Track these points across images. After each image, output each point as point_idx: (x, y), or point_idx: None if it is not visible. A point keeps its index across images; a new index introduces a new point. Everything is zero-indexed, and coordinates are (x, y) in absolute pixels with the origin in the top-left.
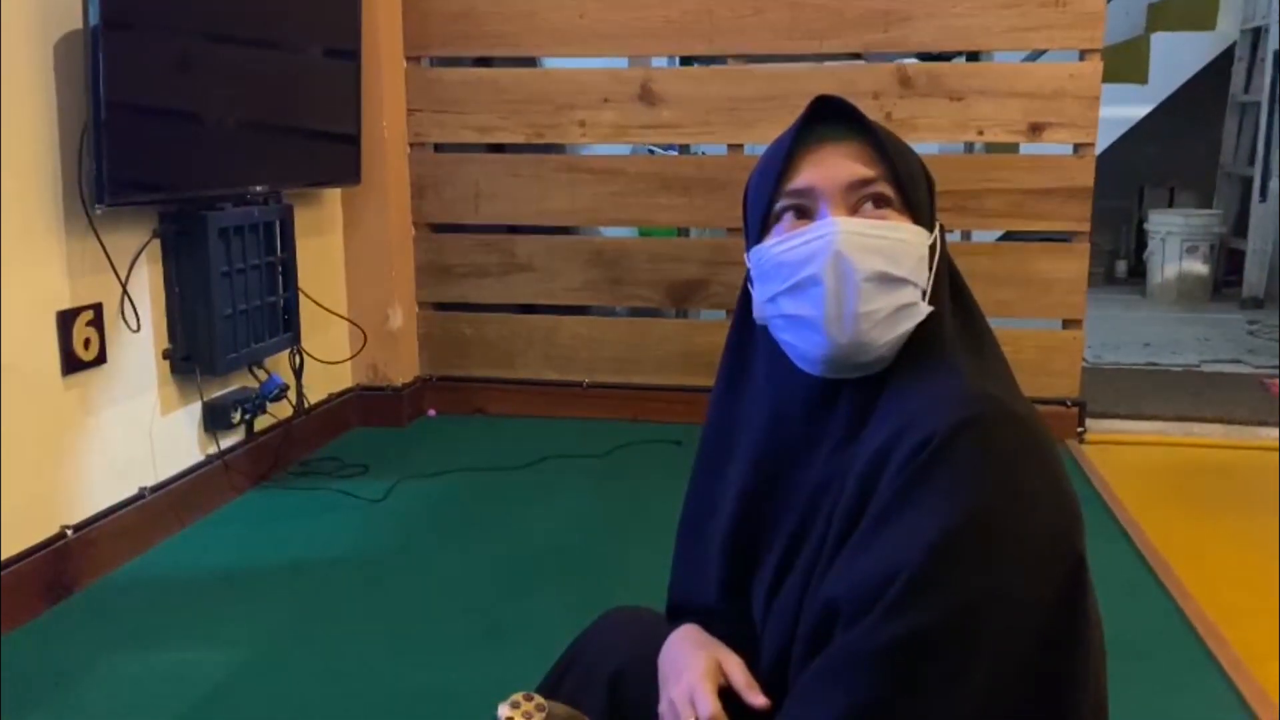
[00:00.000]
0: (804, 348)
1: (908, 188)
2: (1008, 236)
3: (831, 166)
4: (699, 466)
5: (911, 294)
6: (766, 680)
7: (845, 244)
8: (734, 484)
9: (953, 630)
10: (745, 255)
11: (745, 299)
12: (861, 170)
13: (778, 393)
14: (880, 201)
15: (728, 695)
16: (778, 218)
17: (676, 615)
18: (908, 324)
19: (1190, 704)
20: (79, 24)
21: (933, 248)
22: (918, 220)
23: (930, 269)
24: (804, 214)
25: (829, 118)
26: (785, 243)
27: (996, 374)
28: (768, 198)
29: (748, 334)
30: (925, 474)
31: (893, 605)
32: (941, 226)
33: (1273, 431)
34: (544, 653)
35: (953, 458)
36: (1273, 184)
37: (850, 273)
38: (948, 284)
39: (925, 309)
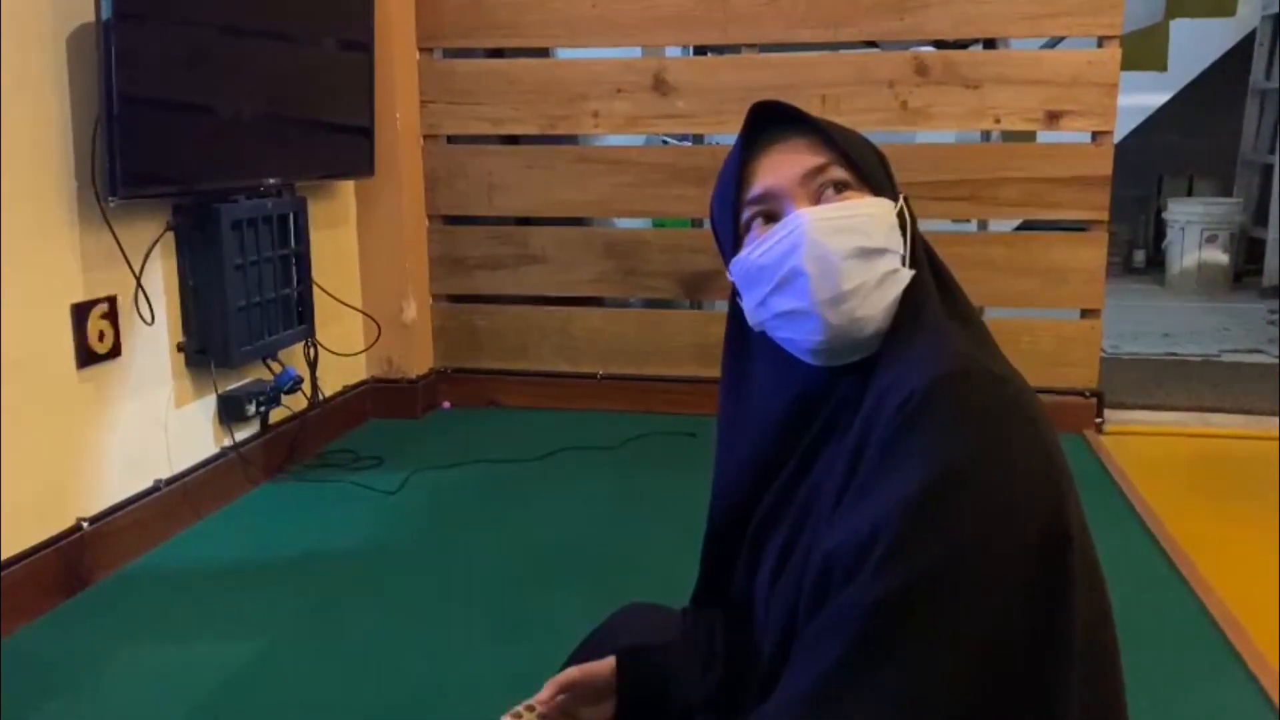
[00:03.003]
0: (801, 339)
1: (862, 167)
2: (1025, 226)
3: (783, 165)
4: (717, 471)
5: (891, 260)
6: (772, 656)
7: (816, 231)
8: (731, 486)
9: (934, 585)
10: (726, 271)
11: (734, 312)
12: (812, 160)
13: (781, 389)
14: (839, 186)
15: (742, 684)
16: (747, 228)
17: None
18: (895, 289)
19: (1209, 695)
20: (91, 17)
21: (901, 216)
22: (879, 194)
23: (905, 236)
24: (770, 217)
25: (771, 123)
26: (760, 246)
27: (979, 340)
28: (731, 211)
29: (742, 344)
30: (905, 432)
31: (877, 564)
32: (906, 199)
33: None
34: (559, 645)
35: (931, 414)
36: None
37: (829, 255)
38: (924, 252)
39: (908, 273)
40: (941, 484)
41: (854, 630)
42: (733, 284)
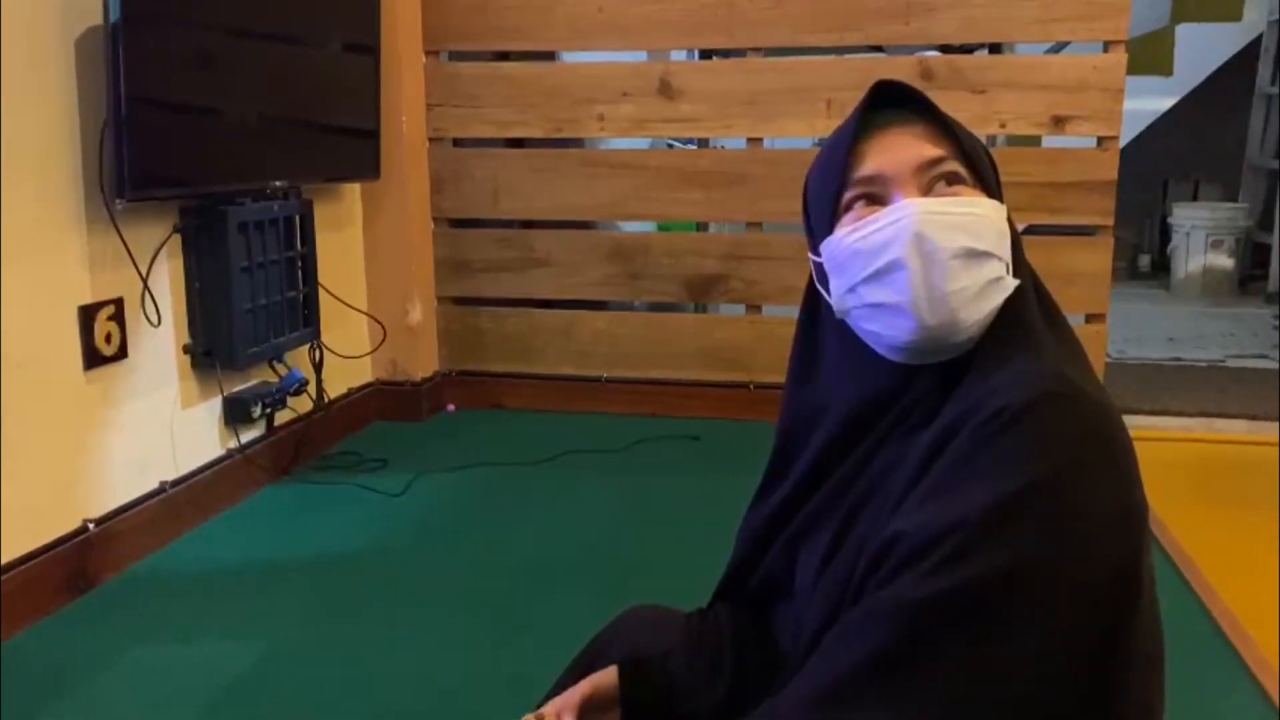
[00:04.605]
0: (890, 334)
1: (977, 164)
2: (1030, 230)
3: (898, 149)
4: (770, 469)
5: (997, 268)
6: (809, 647)
7: (925, 224)
8: (798, 468)
9: (994, 594)
10: (809, 253)
11: (810, 298)
12: (930, 150)
13: (853, 381)
14: (953, 179)
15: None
16: (847, 208)
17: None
18: (997, 299)
19: (1215, 702)
20: (99, 20)
21: (1009, 222)
22: (990, 195)
23: (1010, 243)
24: (875, 201)
25: (888, 104)
26: (860, 230)
27: (1077, 359)
28: (834, 189)
29: (815, 331)
30: (997, 439)
31: (939, 560)
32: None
33: None
34: (563, 648)
35: (1027, 428)
36: None
37: (935, 252)
38: (1026, 261)
39: (1012, 282)
40: (1029, 494)
41: (900, 622)
42: (811, 269)
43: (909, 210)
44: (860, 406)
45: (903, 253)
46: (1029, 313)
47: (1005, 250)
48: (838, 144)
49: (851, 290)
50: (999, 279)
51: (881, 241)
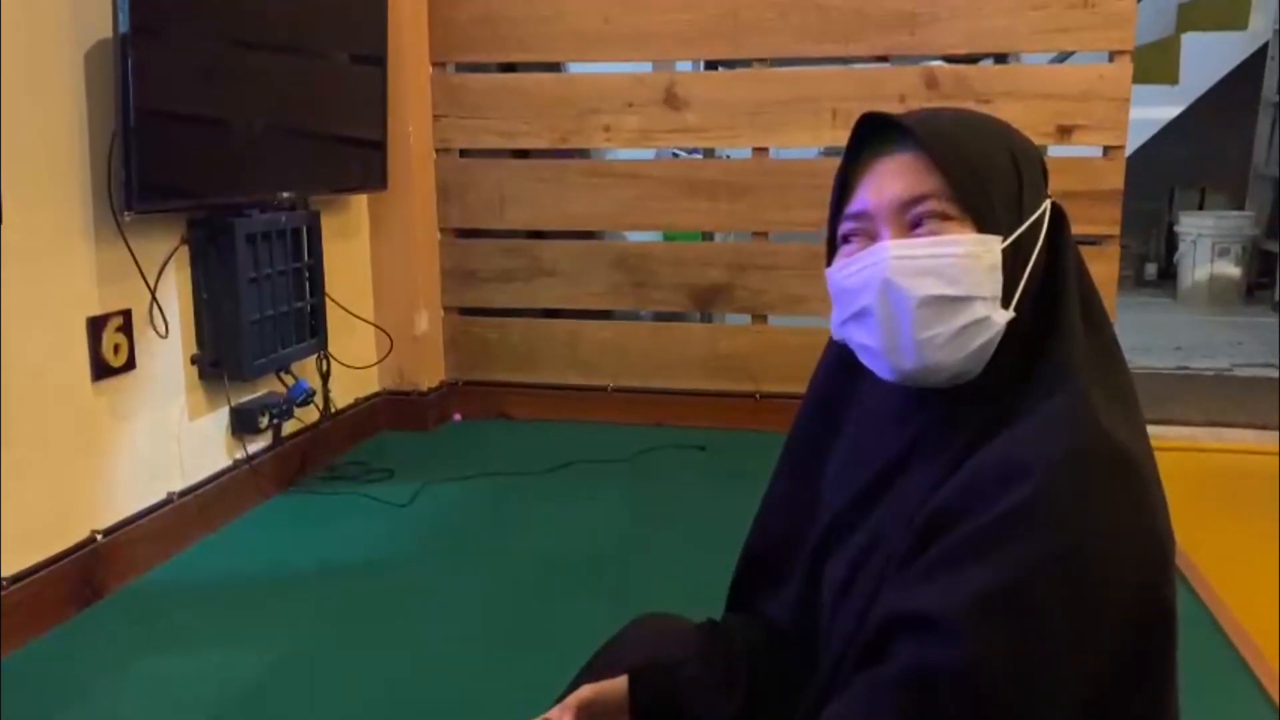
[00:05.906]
0: (878, 370)
1: (972, 193)
2: None
3: (884, 185)
4: (784, 469)
5: (979, 309)
6: (827, 678)
7: (895, 270)
8: (826, 486)
9: (1011, 670)
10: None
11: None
12: (913, 187)
13: (876, 396)
14: (936, 217)
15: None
16: (845, 239)
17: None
18: (980, 339)
19: (1219, 709)
20: (109, 32)
21: (1014, 252)
22: (987, 226)
23: (1023, 271)
24: (866, 235)
25: (883, 129)
26: (845, 269)
27: (1118, 398)
28: (833, 220)
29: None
30: (1018, 506)
31: (953, 633)
32: (1055, 206)
33: None
34: (570, 657)
35: (1047, 493)
36: None
37: (902, 300)
38: (1075, 269)
39: (1002, 319)
40: (1044, 570)
41: (920, 695)
42: None
43: (881, 255)
44: (880, 420)
45: (873, 300)
46: (1063, 340)
47: (993, 286)
48: (837, 173)
49: (843, 324)
50: (980, 320)
51: (858, 285)
